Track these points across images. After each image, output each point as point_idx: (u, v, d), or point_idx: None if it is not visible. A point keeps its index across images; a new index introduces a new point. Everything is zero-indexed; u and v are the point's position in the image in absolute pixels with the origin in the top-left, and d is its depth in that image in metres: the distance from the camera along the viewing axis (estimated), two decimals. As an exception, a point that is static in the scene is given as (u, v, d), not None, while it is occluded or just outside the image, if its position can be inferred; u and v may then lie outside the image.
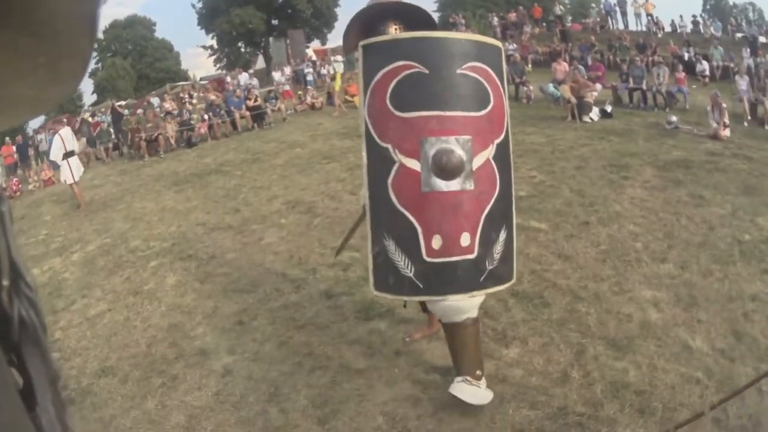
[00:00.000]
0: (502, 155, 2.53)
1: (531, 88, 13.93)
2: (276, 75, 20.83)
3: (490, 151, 2.47)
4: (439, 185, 2.37)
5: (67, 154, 9.76)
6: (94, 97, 35.40)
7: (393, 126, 2.39)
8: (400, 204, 2.36)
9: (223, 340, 4.03)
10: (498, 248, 2.48)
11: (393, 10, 2.90)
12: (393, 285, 2.41)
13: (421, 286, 2.37)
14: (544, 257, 4.77)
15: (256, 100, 15.21)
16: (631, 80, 12.70)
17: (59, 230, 8.96)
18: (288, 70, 21.60)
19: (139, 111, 16.48)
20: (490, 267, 2.45)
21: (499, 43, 2.72)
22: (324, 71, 20.32)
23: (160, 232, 7.43)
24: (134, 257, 6.71)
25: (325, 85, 18.37)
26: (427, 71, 2.36)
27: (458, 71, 2.41)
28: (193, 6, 32.46)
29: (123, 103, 20.47)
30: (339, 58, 20.02)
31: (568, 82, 11.92)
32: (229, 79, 21.25)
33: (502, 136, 2.54)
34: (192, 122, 14.94)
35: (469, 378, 2.72)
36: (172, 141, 14.75)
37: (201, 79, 27.84)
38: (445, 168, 2.35)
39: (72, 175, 9.75)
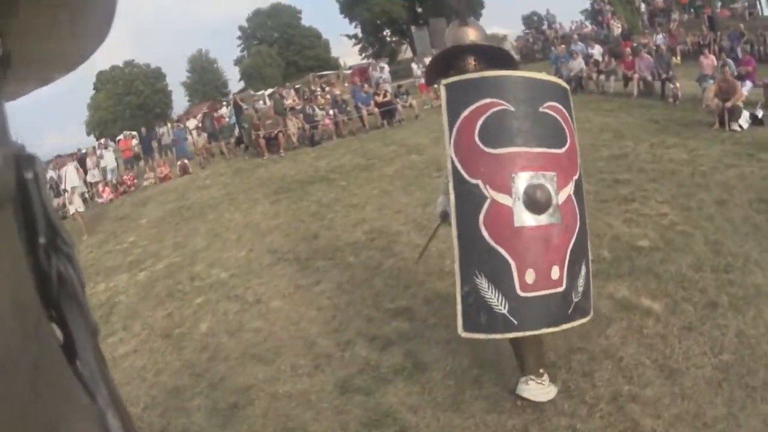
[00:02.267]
0: (578, 191, 2.67)
1: (678, 85, 11.88)
2: (414, 67, 20.11)
3: (570, 187, 2.59)
4: (530, 219, 2.46)
5: (68, 190, 11.54)
6: (242, 84, 37.61)
7: (483, 162, 2.48)
8: (493, 240, 2.44)
9: (210, 423, 3.63)
10: (581, 281, 2.59)
11: (471, 49, 2.99)
12: (485, 324, 2.47)
13: (516, 322, 2.44)
14: (640, 366, 3.28)
15: (385, 96, 14.58)
16: (786, 77, 10.16)
17: (144, 238, 9.16)
18: (427, 61, 20.73)
19: (260, 105, 16.49)
20: (576, 300, 2.56)
21: (566, 85, 2.91)
22: None
23: (229, 256, 7.03)
24: (189, 287, 6.35)
25: None
26: (513, 109, 2.49)
27: (540, 109, 2.55)
28: (333, -6, 32.82)
29: (268, 92, 20.80)
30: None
31: (716, 81, 9.87)
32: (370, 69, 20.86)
33: (578, 174, 2.68)
34: (317, 119, 14.55)
35: (533, 377, 2.91)
36: (294, 139, 14.57)
37: (349, 68, 28.00)
38: (538, 202, 2.46)
39: (74, 205, 11.34)
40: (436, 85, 13.98)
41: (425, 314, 4.20)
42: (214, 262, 6.94)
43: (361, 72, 21.62)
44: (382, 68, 18.25)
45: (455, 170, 2.53)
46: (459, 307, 2.51)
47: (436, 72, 3.12)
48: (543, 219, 2.50)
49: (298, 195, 9.38)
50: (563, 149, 2.62)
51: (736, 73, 10.50)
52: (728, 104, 8.89)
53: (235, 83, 39.38)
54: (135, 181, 15.08)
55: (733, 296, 3.86)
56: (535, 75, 2.96)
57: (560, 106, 2.65)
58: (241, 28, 40.77)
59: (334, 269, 5.52)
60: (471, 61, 2.95)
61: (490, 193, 2.47)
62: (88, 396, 0.34)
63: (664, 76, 12.33)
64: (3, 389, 0.24)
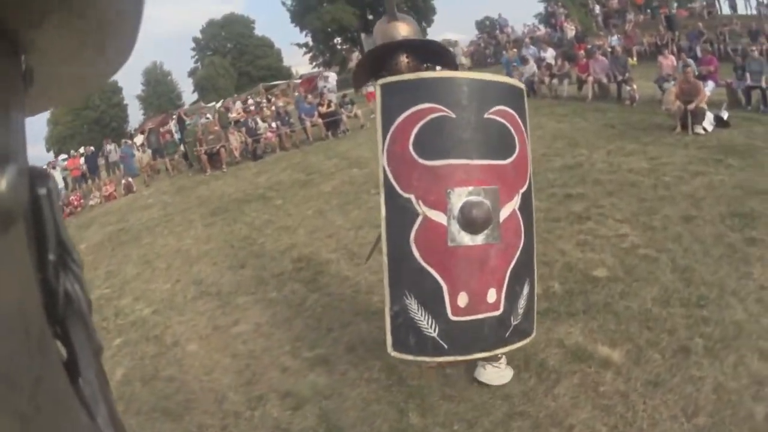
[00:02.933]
0: (526, 205, 2.50)
1: (635, 87, 11.72)
2: None
3: (515, 202, 2.44)
4: (466, 239, 2.33)
5: None
6: (195, 96, 37.09)
7: (417, 175, 2.32)
8: (423, 260, 2.31)
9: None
10: (522, 303, 2.46)
11: (404, 45, 2.82)
12: (414, 346, 2.36)
13: (446, 346, 2.34)
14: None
15: (329, 106, 14.33)
16: (748, 76, 10.07)
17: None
18: None
19: (203, 120, 16.11)
20: (515, 322, 2.44)
21: (522, 85, 2.68)
22: None
23: (155, 288, 6.72)
24: (113, 324, 5.99)
25: None
26: (453, 115, 2.31)
27: (485, 116, 2.36)
28: (284, 3, 32.68)
29: (218, 104, 20.27)
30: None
31: (677, 83, 9.60)
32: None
33: (526, 185, 2.50)
34: (259, 132, 14.29)
35: (490, 361, 2.88)
36: (237, 153, 14.28)
37: (299, 77, 27.68)
38: (474, 221, 2.31)
39: None
40: (367, 89, 14.20)
41: (346, 365, 3.80)
42: (140, 295, 6.65)
43: (310, 81, 21.29)
44: (326, 77, 17.88)
45: (387, 182, 2.37)
46: (388, 325, 2.40)
47: (365, 74, 2.97)
48: (479, 239, 2.36)
49: (233, 216, 9.10)
50: (509, 159, 2.45)
51: (697, 73, 10.31)
52: (691, 106, 8.54)
53: (189, 95, 39.13)
54: (81, 201, 14.55)
55: (709, 338, 3.26)
56: (482, 76, 2.71)
57: (510, 110, 2.47)
58: (195, 39, 40.34)
59: (256, 306, 5.25)
60: (404, 59, 2.80)
61: (422, 209, 2.33)
62: (88, 415, 0.34)
63: (620, 78, 12.13)
64: (5, 402, 0.24)
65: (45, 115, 36.60)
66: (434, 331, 2.34)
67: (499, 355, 2.86)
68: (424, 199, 2.34)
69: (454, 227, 2.33)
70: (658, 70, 11.86)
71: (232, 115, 16.12)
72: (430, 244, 2.34)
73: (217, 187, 12.00)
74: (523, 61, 15.00)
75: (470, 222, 2.32)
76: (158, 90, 39.75)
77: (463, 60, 22.29)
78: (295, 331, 4.51)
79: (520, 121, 2.49)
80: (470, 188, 2.34)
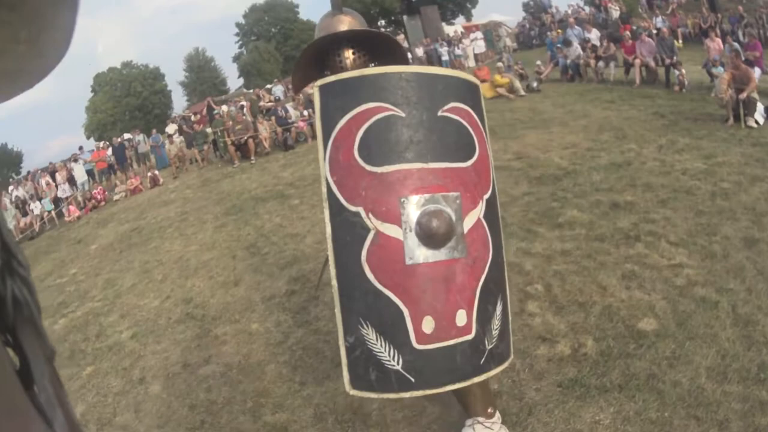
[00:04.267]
0: (491, 213, 2.24)
1: (684, 71, 10.65)
2: (409, 56, 18.88)
3: (480, 209, 2.19)
4: (426, 255, 2.05)
5: None
6: (241, 81, 37.08)
7: (365, 185, 2.04)
8: (379, 282, 2.02)
9: None
10: (495, 323, 2.21)
11: (348, 37, 2.55)
12: (376, 381, 2.05)
13: (413, 379, 2.04)
14: None
15: None
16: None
17: (84, 271, 8.56)
18: (420, 50, 19.64)
19: (231, 108, 15.50)
20: (490, 346, 2.18)
21: (477, 81, 2.35)
22: (459, 51, 18.15)
23: (144, 305, 6.14)
24: (90, 348, 5.52)
25: (460, 68, 16.62)
26: (403, 114, 2.07)
27: (439, 113, 2.12)
28: (322, -14, 31.82)
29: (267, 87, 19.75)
30: (479, 35, 17.99)
31: (727, 68, 8.62)
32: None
33: (490, 191, 2.26)
34: (290, 120, 13.64)
35: (480, 419, 2.54)
36: (266, 144, 13.70)
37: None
38: (435, 233, 2.03)
39: None
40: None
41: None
42: (127, 312, 6.09)
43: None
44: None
45: (331, 195, 2.07)
46: (343, 359, 2.12)
47: (306, 75, 2.62)
48: (442, 254, 2.07)
49: (246, 217, 8.51)
50: (470, 161, 2.19)
51: (744, 59, 9.35)
52: (742, 95, 7.72)
53: (234, 80, 39.09)
54: (105, 195, 14.18)
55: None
56: (432, 70, 2.40)
57: (466, 108, 2.20)
58: (237, 24, 40.10)
59: (234, 339, 4.49)
60: (348, 54, 2.54)
61: (373, 222, 2.05)
62: (45, 422, 0.33)
63: (668, 61, 11.16)
64: None
65: (83, 102, 37.52)
66: (398, 363, 2.07)
67: (490, 410, 2.54)
68: (375, 211, 2.06)
69: (412, 241, 2.05)
70: (705, 53, 10.96)
71: (263, 103, 15.42)
72: (386, 263, 2.06)
73: (240, 182, 11.52)
74: (566, 43, 14.17)
75: (430, 234, 2.05)
76: (201, 76, 39.60)
77: (508, 42, 21.24)
78: (264, 381, 3.73)
79: (477, 119, 2.24)
80: (427, 195, 2.07)
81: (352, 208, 2.08)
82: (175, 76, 44.41)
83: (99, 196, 13.87)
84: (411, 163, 2.09)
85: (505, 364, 2.30)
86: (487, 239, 2.24)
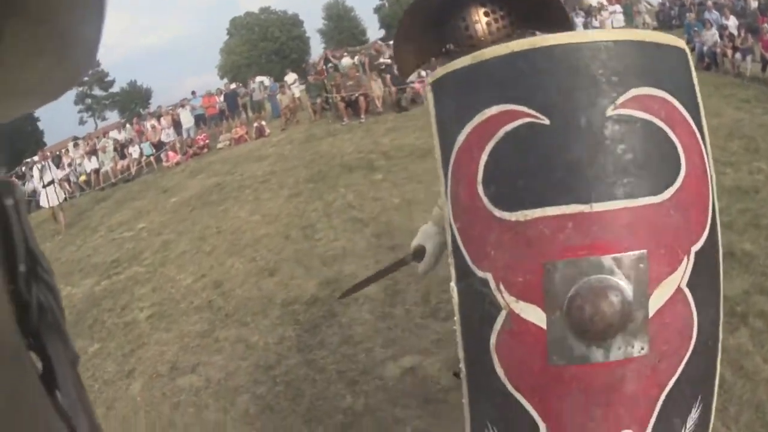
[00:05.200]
0: (703, 274, 1.45)
1: None
2: None
3: (681, 273, 1.41)
4: (581, 354, 1.41)
5: (47, 184, 10.96)
6: (381, 33, 37.48)
7: (493, 239, 1.43)
8: (509, 382, 1.48)
9: None
10: None
11: None
12: None
13: None
14: None
15: None
16: None
17: (150, 228, 8.88)
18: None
19: (345, 62, 15.23)
20: None
21: (682, 44, 1.50)
22: (596, 23, 17.11)
23: (178, 280, 6.08)
24: (112, 321, 5.59)
25: None
26: (547, 120, 1.35)
27: (610, 111, 1.34)
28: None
29: None
30: (618, 8, 16.62)
31: None
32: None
33: (704, 237, 1.44)
34: (407, 81, 13.19)
35: None
36: (378, 103, 13.44)
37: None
38: (595, 324, 1.37)
39: (48, 201, 10.77)
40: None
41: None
42: (161, 285, 6.07)
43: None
44: None
45: (456, 248, 1.53)
46: None
47: (417, 48, 1.87)
48: (606, 353, 1.43)
49: (323, 188, 8.27)
50: (669, 191, 1.42)
51: None
52: None
53: (375, 31, 39.84)
54: (207, 142, 14.64)
55: None
56: (597, 35, 1.48)
57: (662, 94, 1.41)
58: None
59: (229, 349, 4.13)
60: (479, 17, 1.75)
61: (505, 298, 1.45)
62: (68, 427, 0.34)
63: None
64: None
65: (218, 44, 39.58)
66: None
67: None
68: (507, 281, 1.46)
69: (560, 332, 1.42)
70: None
71: (381, 59, 15.00)
72: (521, 357, 1.52)
73: (339, 143, 11.34)
74: (705, 24, 13.17)
75: (587, 325, 1.40)
76: (340, 25, 40.24)
77: (647, 19, 19.72)
78: (227, 417, 3.26)
79: (684, 112, 1.43)
80: (589, 259, 1.39)
81: (480, 274, 1.52)
82: (313, 24, 45.88)
83: (201, 142, 14.33)
84: (563, 206, 1.42)
85: None
86: (690, 320, 1.56)
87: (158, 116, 15.74)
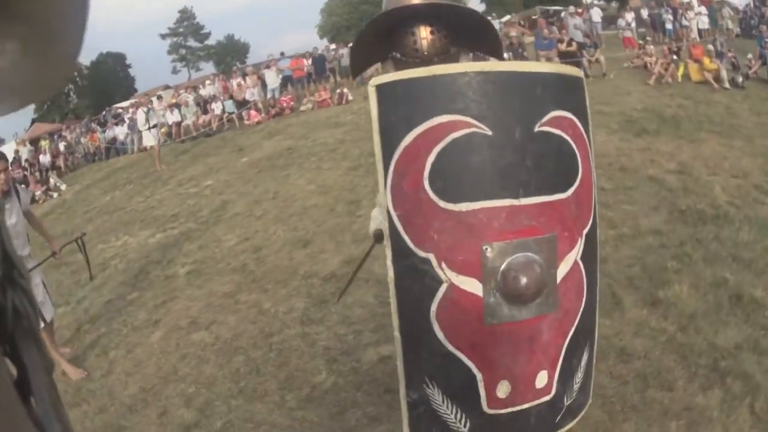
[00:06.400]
0: (590, 250, 2.02)
1: None
2: (628, 16, 17.62)
3: (578, 250, 1.98)
4: (511, 314, 1.87)
5: (152, 126, 12.91)
6: (483, 6, 38.05)
7: (437, 226, 1.80)
8: (450, 343, 1.87)
9: None
10: (578, 377, 2.09)
11: (424, 11, 2.17)
12: None
13: None
14: None
15: (570, 45, 12.93)
16: None
17: (215, 187, 9.54)
18: (645, 12, 18.20)
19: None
20: (568, 402, 2.06)
21: (580, 73, 2.03)
22: (686, 22, 16.41)
23: (224, 241, 6.75)
24: (156, 275, 6.26)
25: (685, 38, 15.16)
26: (489, 132, 1.79)
27: (536, 129, 1.84)
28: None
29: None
30: (703, 9, 15.90)
31: None
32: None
33: (590, 223, 2.01)
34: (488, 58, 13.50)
35: None
36: None
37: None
38: (524, 291, 1.85)
39: (153, 141, 12.91)
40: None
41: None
42: (207, 243, 6.73)
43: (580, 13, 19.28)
44: (579, 14, 16.34)
45: (395, 232, 1.86)
46: (404, 414, 2.03)
47: (369, 54, 2.31)
48: (530, 311, 1.92)
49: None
50: (571, 189, 1.96)
51: None
52: None
53: (475, 5, 40.44)
54: (292, 104, 15.40)
55: None
56: (527, 66, 2.08)
57: (569, 116, 1.94)
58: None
59: (243, 312, 4.65)
60: (425, 34, 2.17)
61: (447, 274, 1.86)
62: None
63: None
64: None
65: (318, 4, 40.71)
66: (464, 426, 1.99)
67: None
68: (449, 260, 1.86)
69: (493, 299, 1.87)
70: None
71: None
72: (460, 322, 1.89)
73: None
74: None
75: (517, 292, 1.87)
76: (444, -5, 40.69)
77: (729, 25, 18.72)
78: (222, 372, 3.80)
79: (582, 129, 1.97)
80: (516, 241, 1.87)
81: (421, 254, 1.89)
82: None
83: (285, 104, 15.11)
84: (498, 200, 1.87)
85: (582, 413, 2.19)
86: (583, 284, 2.09)
87: (244, 74, 16.66)
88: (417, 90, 1.83)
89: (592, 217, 2.06)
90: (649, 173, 6.33)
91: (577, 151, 1.98)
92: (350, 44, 19.65)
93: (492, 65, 1.99)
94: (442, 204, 1.81)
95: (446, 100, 1.82)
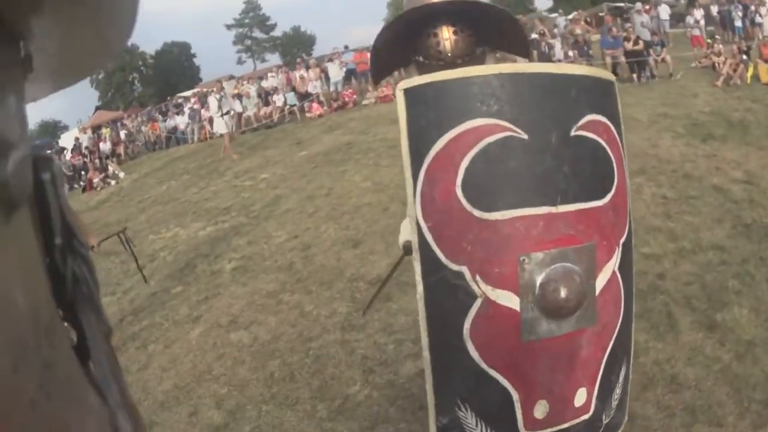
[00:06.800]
0: (626, 260, 1.99)
1: None
2: (693, 14, 17.02)
3: (615, 259, 1.93)
4: (549, 330, 1.82)
5: (225, 113, 13.34)
6: (550, 3, 37.96)
7: (471, 237, 1.77)
8: (485, 362, 1.83)
9: None
10: (617, 393, 2.06)
11: (448, 10, 2.14)
12: None
13: None
14: None
15: (637, 43, 12.52)
16: None
17: (270, 180, 9.55)
18: (714, 8, 17.25)
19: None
20: (607, 420, 2.04)
21: (611, 76, 2.00)
22: (759, 19, 15.60)
23: (273, 237, 6.76)
24: (202, 270, 6.32)
25: (756, 37, 14.34)
26: (525, 136, 1.76)
27: (573, 132, 1.81)
28: None
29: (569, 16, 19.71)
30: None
31: None
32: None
33: (626, 232, 2.01)
34: (553, 59, 13.45)
35: None
36: None
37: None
38: (564, 304, 1.79)
39: (225, 127, 13.20)
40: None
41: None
42: (256, 239, 6.74)
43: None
44: (646, 11, 15.88)
45: (424, 245, 1.82)
46: None
47: (390, 58, 2.25)
48: (568, 325, 1.88)
49: None
50: (608, 196, 1.93)
51: None
52: None
53: (544, 1, 40.23)
54: (354, 98, 15.44)
55: None
56: (562, 69, 2.05)
57: (604, 120, 1.90)
58: None
59: (284, 313, 4.61)
60: (448, 35, 2.14)
61: (481, 288, 1.81)
62: (100, 397, 0.37)
63: None
64: (14, 389, 0.26)
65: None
66: None
67: None
68: (484, 273, 1.81)
69: (532, 313, 1.84)
70: None
71: (534, 35, 14.88)
72: (496, 339, 1.86)
73: None
74: None
75: (557, 305, 1.83)
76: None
77: None
78: (257, 375, 3.74)
79: (616, 134, 1.94)
80: (554, 251, 1.83)
81: (454, 267, 1.85)
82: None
83: (347, 98, 15.16)
84: (536, 208, 1.82)
85: (620, 431, 2.15)
86: (620, 296, 2.04)
87: (307, 67, 16.79)
88: (449, 93, 1.79)
89: (627, 225, 2.04)
90: (713, 182, 5.99)
91: (612, 157, 1.94)
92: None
93: (526, 66, 1.94)
94: (476, 213, 1.76)
95: (480, 102, 1.77)
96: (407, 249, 2.20)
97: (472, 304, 1.82)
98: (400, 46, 2.25)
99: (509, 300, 1.82)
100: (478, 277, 1.81)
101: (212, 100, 13.64)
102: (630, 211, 2.01)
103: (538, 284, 1.82)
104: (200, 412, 3.57)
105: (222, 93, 13.94)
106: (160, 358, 4.34)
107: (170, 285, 5.82)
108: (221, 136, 13.15)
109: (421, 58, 2.17)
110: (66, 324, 0.37)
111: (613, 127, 1.94)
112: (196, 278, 5.88)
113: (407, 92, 1.77)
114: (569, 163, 1.84)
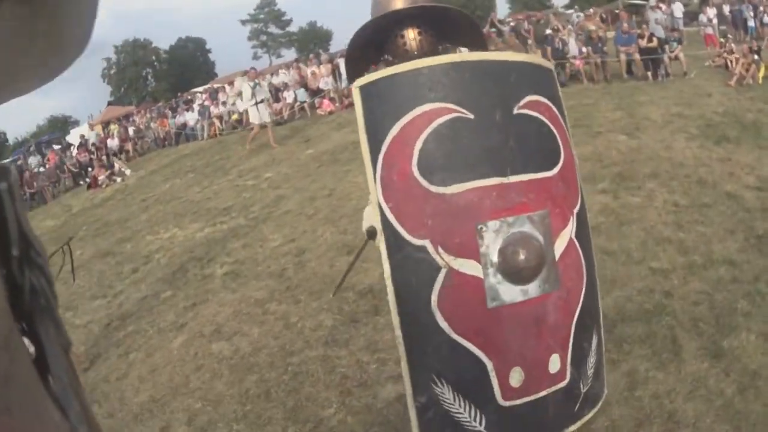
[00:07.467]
0: (582, 230, 2.21)
1: None
2: (706, 12, 16.94)
3: (571, 227, 2.15)
4: (513, 294, 1.99)
5: (259, 102, 12.60)
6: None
7: (429, 211, 1.97)
8: (454, 331, 1.97)
9: None
10: (591, 361, 2.22)
11: (411, 14, 2.43)
12: None
13: None
14: None
15: (651, 41, 12.46)
16: None
17: (274, 180, 9.58)
18: (726, 8, 17.18)
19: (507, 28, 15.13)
20: (585, 389, 2.19)
21: (549, 65, 2.38)
22: (766, 18, 15.82)
23: (269, 240, 6.69)
24: (194, 275, 6.29)
25: (766, 37, 14.40)
26: (471, 115, 2.00)
27: (515, 111, 2.09)
28: None
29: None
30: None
31: None
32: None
33: (579, 203, 2.22)
34: (567, 55, 13.51)
35: None
36: None
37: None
38: (523, 267, 1.98)
39: (260, 117, 12.56)
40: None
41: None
42: (251, 242, 6.66)
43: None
44: (660, 8, 15.91)
45: (387, 225, 1.97)
46: (414, 422, 2.08)
47: (362, 59, 2.57)
48: (532, 290, 2.03)
49: None
50: (556, 168, 2.14)
51: None
52: None
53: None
54: (365, 94, 15.37)
55: None
56: (500, 56, 2.35)
57: (545, 101, 2.15)
58: None
59: (270, 322, 4.52)
60: (413, 35, 2.43)
61: (444, 259, 1.97)
62: (60, 412, 0.37)
63: None
64: None
65: None
66: (480, 424, 2.03)
67: None
68: (445, 244, 1.98)
69: (494, 279, 1.99)
70: None
71: (548, 31, 14.72)
72: (462, 307, 2.00)
73: None
74: None
75: (517, 268, 1.99)
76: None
77: None
78: (233, 391, 3.66)
79: (558, 113, 2.20)
80: (510, 218, 2.02)
81: (416, 242, 1.99)
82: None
83: (358, 94, 15.13)
84: (487, 179, 2.00)
85: (600, 404, 2.29)
86: (581, 263, 2.20)
87: (319, 62, 16.71)
88: (400, 84, 1.99)
89: (579, 196, 2.22)
90: (726, 189, 5.77)
91: (556, 132, 2.15)
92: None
93: (467, 56, 2.19)
94: (433, 189, 1.94)
95: (428, 90, 1.98)
96: (371, 234, 2.34)
97: (436, 276, 1.95)
98: (371, 49, 2.52)
99: (472, 268, 1.95)
100: (440, 249, 1.96)
101: (245, 88, 13.29)
102: (580, 184, 2.20)
103: (497, 250, 1.96)
104: (171, 427, 3.51)
105: (256, 80, 13.51)
106: (140, 368, 4.28)
107: (161, 289, 5.77)
108: (262, 127, 12.44)
109: (390, 58, 2.41)
110: (24, 338, 0.36)
111: (554, 107, 2.14)
112: (187, 282, 5.82)
113: (362, 88, 1.99)
114: (515, 137, 2.02)
